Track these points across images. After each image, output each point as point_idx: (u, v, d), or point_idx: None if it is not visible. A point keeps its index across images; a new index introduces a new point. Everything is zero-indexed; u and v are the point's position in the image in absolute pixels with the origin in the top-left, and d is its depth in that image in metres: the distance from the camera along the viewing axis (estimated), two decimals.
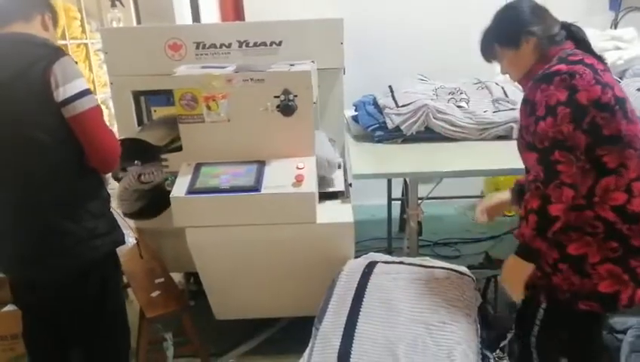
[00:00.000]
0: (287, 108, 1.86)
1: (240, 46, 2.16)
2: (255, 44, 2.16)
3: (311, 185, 1.83)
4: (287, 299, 2.05)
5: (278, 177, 1.85)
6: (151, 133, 2.07)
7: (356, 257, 1.98)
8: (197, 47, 2.15)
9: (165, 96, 2.24)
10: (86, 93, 1.46)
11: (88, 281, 1.60)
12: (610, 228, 1.30)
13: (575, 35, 1.41)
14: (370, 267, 1.78)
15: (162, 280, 2.11)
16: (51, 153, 1.45)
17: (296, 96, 1.87)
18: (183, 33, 2.15)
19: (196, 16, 3.45)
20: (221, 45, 2.16)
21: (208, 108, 1.87)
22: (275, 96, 1.88)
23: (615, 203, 1.29)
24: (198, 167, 1.91)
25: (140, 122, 2.26)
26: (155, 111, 2.21)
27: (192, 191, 1.83)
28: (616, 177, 1.29)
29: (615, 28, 3.56)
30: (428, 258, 1.94)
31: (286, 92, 1.87)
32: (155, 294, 2.03)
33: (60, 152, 1.47)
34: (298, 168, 1.87)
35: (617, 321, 2.04)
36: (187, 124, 1.91)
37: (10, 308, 2.17)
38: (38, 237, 1.50)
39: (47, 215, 1.49)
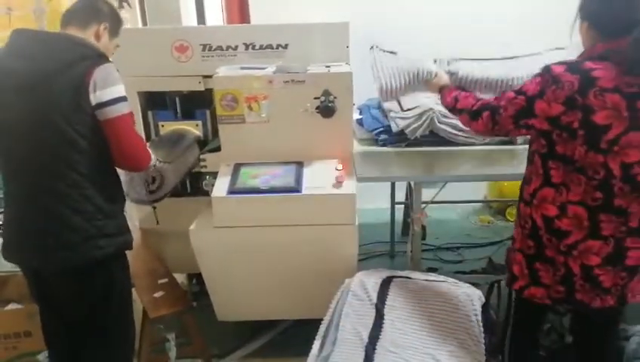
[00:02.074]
0: (326, 110, 1.89)
1: (246, 48, 2.17)
2: (261, 47, 2.17)
3: (351, 187, 1.84)
4: (289, 302, 2.05)
5: (318, 178, 1.88)
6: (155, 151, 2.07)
7: (358, 261, 1.98)
8: (203, 49, 2.16)
9: (173, 112, 2.26)
10: (121, 99, 1.52)
11: (93, 281, 1.60)
12: (535, 230, 1.42)
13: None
14: (382, 294, 1.73)
15: (165, 280, 2.12)
16: (75, 147, 1.49)
17: (335, 97, 1.89)
18: (190, 35, 2.17)
19: (201, 18, 3.46)
20: (227, 47, 2.17)
21: (250, 108, 1.91)
22: (315, 98, 1.90)
23: (546, 213, 1.39)
24: (237, 167, 1.93)
25: (148, 137, 2.25)
26: (162, 126, 2.23)
27: (233, 191, 1.84)
28: (555, 192, 1.37)
29: None
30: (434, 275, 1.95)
31: (326, 93, 1.90)
32: (158, 295, 2.04)
33: (84, 148, 1.50)
34: (337, 169, 1.89)
35: (620, 328, 2.03)
36: (227, 125, 1.95)
37: (12, 306, 2.18)
38: (45, 227, 1.52)
39: (59, 207, 1.50)
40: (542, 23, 3.25)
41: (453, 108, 1.67)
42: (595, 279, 1.39)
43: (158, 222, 2.06)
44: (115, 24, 1.68)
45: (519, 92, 1.39)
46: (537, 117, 1.34)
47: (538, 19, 3.28)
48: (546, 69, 1.32)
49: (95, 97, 1.46)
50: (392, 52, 2.18)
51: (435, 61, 2.29)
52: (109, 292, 1.64)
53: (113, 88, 1.49)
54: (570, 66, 1.29)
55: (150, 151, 1.71)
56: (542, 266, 1.43)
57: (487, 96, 1.62)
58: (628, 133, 1.26)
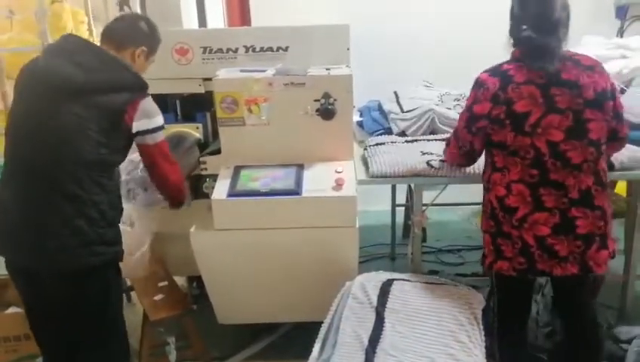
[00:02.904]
0: (327, 112, 1.89)
1: (247, 51, 2.17)
2: (262, 49, 2.17)
3: (352, 189, 1.84)
4: (289, 304, 2.05)
5: (318, 181, 1.87)
6: None
7: (359, 263, 1.98)
8: (204, 52, 2.16)
9: (173, 114, 2.26)
10: (159, 129, 1.67)
11: (86, 287, 1.59)
12: (493, 211, 1.63)
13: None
14: (382, 297, 1.74)
15: (165, 283, 2.12)
16: (98, 154, 1.55)
17: (336, 100, 1.89)
18: (190, 38, 2.17)
19: (202, 20, 3.47)
20: (228, 50, 2.17)
21: (250, 111, 1.91)
22: (316, 100, 1.90)
23: (498, 194, 1.61)
24: (237, 170, 1.93)
25: None
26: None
27: (232, 193, 1.84)
28: (501, 175, 1.60)
29: (621, 36, 3.55)
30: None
31: (326, 96, 1.89)
32: (158, 298, 2.04)
33: (105, 159, 1.58)
34: (337, 172, 1.89)
35: (622, 331, 2.03)
36: (227, 127, 1.95)
37: (12, 310, 2.18)
38: (47, 225, 1.52)
39: (67, 207, 1.52)
40: None
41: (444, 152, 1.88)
42: (550, 248, 1.57)
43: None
44: (154, 45, 1.76)
45: (464, 108, 1.68)
46: (480, 118, 1.58)
47: None
48: (476, 79, 1.62)
49: (137, 126, 1.60)
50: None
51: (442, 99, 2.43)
52: (103, 300, 1.63)
53: (156, 119, 1.65)
54: (493, 72, 1.59)
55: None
56: (503, 241, 1.62)
57: None
58: (546, 116, 1.51)
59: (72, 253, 1.53)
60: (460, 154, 1.73)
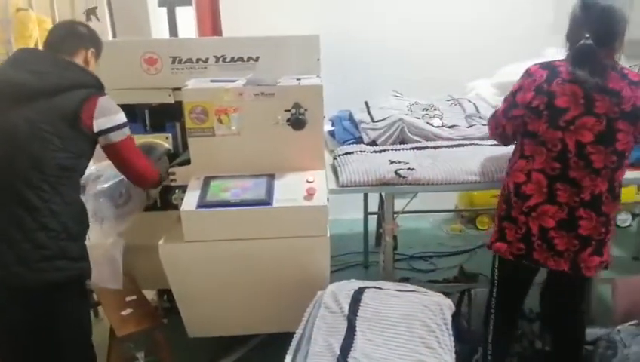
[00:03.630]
0: (297, 122, 1.89)
1: (217, 61, 2.16)
2: (232, 59, 2.17)
3: (322, 199, 1.84)
4: (261, 316, 2.03)
5: (289, 191, 1.87)
6: None
7: (332, 272, 1.98)
8: (173, 62, 2.14)
9: (142, 124, 2.23)
10: (123, 126, 1.67)
11: (47, 304, 1.54)
12: (508, 195, 1.73)
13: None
14: (354, 305, 1.73)
15: (134, 297, 2.07)
16: (58, 162, 1.52)
17: (306, 110, 1.90)
18: (159, 47, 2.15)
19: (174, 31, 3.45)
20: (198, 60, 2.15)
21: (220, 121, 1.90)
22: (286, 110, 1.90)
23: (516, 180, 1.69)
24: (207, 180, 1.91)
25: None
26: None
27: (202, 205, 1.82)
28: (526, 162, 1.67)
29: None
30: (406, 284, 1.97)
31: (297, 106, 1.89)
32: (126, 312, 1.99)
33: (67, 165, 1.55)
34: (308, 181, 1.89)
35: (588, 333, 2.09)
36: (197, 137, 1.93)
37: None
38: (8, 237, 1.48)
39: (25, 220, 1.48)
40: (516, 30, 3.37)
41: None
42: (550, 241, 1.65)
43: None
44: (99, 47, 1.76)
45: (509, 93, 1.74)
46: (518, 106, 1.67)
47: (511, 29, 3.39)
48: (526, 69, 1.68)
49: (97, 124, 1.58)
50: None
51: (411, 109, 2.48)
52: (64, 319, 1.58)
53: (117, 116, 1.65)
54: (543, 65, 1.65)
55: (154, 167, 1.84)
56: (508, 225, 1.72)
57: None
58: (582, 117, 1.57)
59: (33, 267, 1.48)
60: (495, 133, 1.85)
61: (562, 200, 1.62)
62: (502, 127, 1.76)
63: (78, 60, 1.67)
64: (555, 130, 1.59)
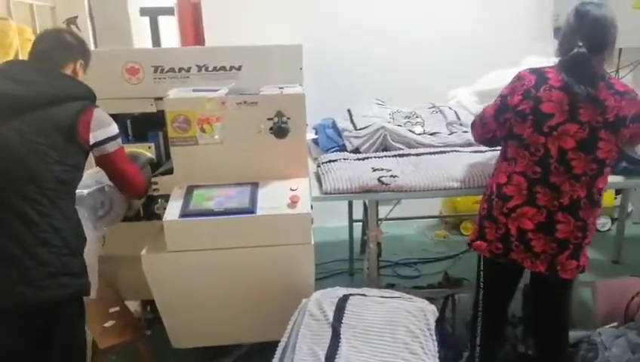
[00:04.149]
0: (280, 131, 1.90)
1: (199, 70, 2.17)
2: (215, 69, 2.17)
3: (306, 206, 1.85)
4: (246, 325, 2.02)
5: (273, 199, 1.87)
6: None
7: (317, 280, 1.98)
8: (155, 71, 2.14)
9: (124, 134, 2.20)
10: (117, 136, 1.68)
11: (50, 323, 1.51)
12: (490, 195, 1.77)
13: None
14: (338, 313, 1.73)
15: (117, 309, 2.05)
16: (55, 175, 1.49)
17: (289, 118, 1.91)
18: (141, 57, 2.14)
19: (157, 40, 3.44)
20: (180, 69, 2.16)
21: (202, 130, 1.90)
22: (269, 119, 1.91)
23: (498, 181, 1.74)
24: (190, 189, 1.90)
25: None
26: None
27: (185, 214, 1.81)
28: (508, 164, 1.72)
29: None
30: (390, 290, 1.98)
31: (279, 114, 1.90)
32: (108, 324, 1.96)
33: (64, 178, 1.52)
34: (292, 189, 1.89)
35: (569, 335, 2.12)
36: (179, 147, 1.92)
37: None
38: (7, 254, 1.43)
39: (26, 236, 1.43)
40: (496, 40, 3.43)
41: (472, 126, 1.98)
42: (527, 242, 1.69)
43: (104, 243, 2.00)
44: (88, 58, 1.74)
45: (498, 96, 1.76)
46: (508, 109, 1.69)
47: (491, 39, 3.45)
48: (517, 74, 1.71)
49: (94, 136, 1.58)
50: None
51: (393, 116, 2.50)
52: (62, 337, 1.55)
53: (110, 127, 1.65)
54: (532, 70, 1.69)
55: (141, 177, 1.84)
56: (488, 224, 1.75)
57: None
58: (566, 123, 1.60)
59: (37, 285, 1.44)
60: (484, 139, 1.87)
61: (541, 204, 1.66)
62: (492, 131, 1.79)
63: (67, 72, 1.64)
64: (538, 135, 1.63)
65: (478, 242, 1.79)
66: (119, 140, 1.70)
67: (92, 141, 1.59)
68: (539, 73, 1.66)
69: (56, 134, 1.49)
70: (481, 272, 1.86)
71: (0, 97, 1.47)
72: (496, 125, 1.75)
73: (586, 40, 1.60)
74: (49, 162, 1.48)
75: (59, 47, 1.65)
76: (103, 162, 1.68)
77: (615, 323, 2.05)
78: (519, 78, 1.69)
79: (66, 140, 1.51)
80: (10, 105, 1.47)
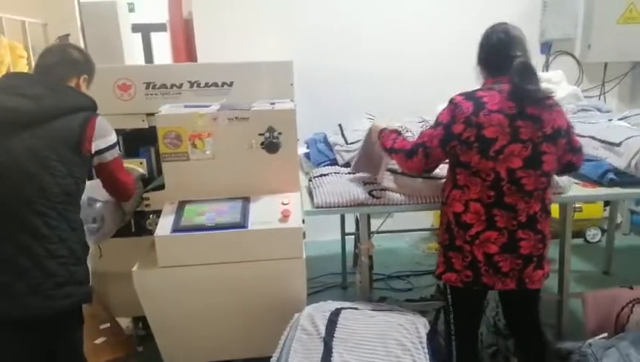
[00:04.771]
0: (271, 146, 1.91)
1: (191, 86, 2.19)
2: (207, 85, 2.20)
3: (297, 220, 1.86)
4: (238, 340, 2.01)
5: (264, 213, 1.88)
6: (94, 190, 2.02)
7: (310, 294, 1.98)
8: (147, 87, 2.17)
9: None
10: (116, 145, 1.71)
11: (50, 332, 1.52)
12: (449, 224, 1.76)
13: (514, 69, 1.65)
14: (330, 327, 1.75)
15: (107, 325, 2.04)
16: (63, 187, 1.52)
17: (280, 133, 1.93)
18: (132, 73, 2.17)
19: (149, 57, 3.48)
20: (172, 85, 2.18)
21: (194, 146, 1.91)
22: (260, 134, 1.92)
23: (454, 210, 1.73)
24: (181, 205, 1.91)
25: (90, 177, 2.20)
26: None
27: (177, 229, 1.81)
28: (461, 192, 1.71)
29: (547, 70, 3.86)
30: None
31: (271, 129, 1.92)
32: (99, 341, 1.95)
33: (71, 190, 1.55)
34: (283, 204, 1.90)
35: (560, 348, 2.12)
36: (171, 162, 1.93)
37: None
38: (17, 267, 1.45)
39: (35, 246, 1.46)
40: None
41: (391, 148, 1.88)
42: (495, 265, 1.70)
43: (101, 255, 2.00)
44: (92, 73, 1.77)
45: (436, 125, 1.74)
46: (454, 137, 1.67)
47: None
48: (451, 100, 1.71)
49: (97, 144, 1.61)
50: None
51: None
52: (63, 347, 1.57)
53: (110, 137, 1.68)
54: (467, 95, 1.69)
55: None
56: (454, 254, 1.75)
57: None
58: (510, 144, 1.63)
59: (45, 294, 1.46)
60: (425, 168, 1.81)
61: (501, 226, 1.67)
62: (438, 161, 1.77)
63: (70, 85, 1.67)
64: (486, 161, 1.64)
65: (448, 274, 1.77)
66: (117, 149, 1.73)
67: (94, 150, 1.61)
68: (474, 98, 1.66)
69: (63, 147, 1.52)
70: (449, 297, 1.85)
71: (8, 112, 1.49)
72: (442, 153, 1.73)
73: (519, 48, 1.69)
74: (59, 176, 1.51)
75: (63, 61, 1.67)
76: (101, 170, 1.70)
77: (605, 334, 2.06)
78: (455, 105, 1.67)
79: (72, 152, 1.55)
80: (19, 119, 1.49)
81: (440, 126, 1.71)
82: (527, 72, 1.63)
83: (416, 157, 1.77)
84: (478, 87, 1.76)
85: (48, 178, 1.49)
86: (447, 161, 1.79)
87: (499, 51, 1.71)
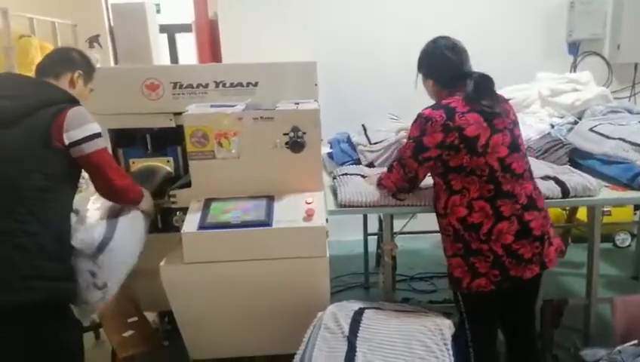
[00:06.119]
0: (296, 145, 1.93)
1: (217, 86, 2.22)
2: (232, 85, 2.23)
3: (321, 219, 1.87)
4: (262, 337, 2.03)
5: (288, 212, 1.89)
6: None
7: (333, 293, 1.98)
8: (174, 87, 2.20)
9: (143, 148, 2.28)
10: (95, 136, 1.62)
11: (28, 328, 1.48)
12: (456, 233, 1.74)
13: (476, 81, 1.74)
14: (354, 326, 1.74)
15: (135, 319, 2.08)
16: (33, 183, 1.50)
17: (304, 133, 1.94)
18: (160, 73, 2.21)
19: (174, 57, 3.54)
20: (198, 85, 2.21)
21: (220, 145, 1.94)
22: (285, 134, 1.95)
23: (459, 215, 1.72)
24: (207, 202, 1.94)
25: None
26: (133, 163, 2.26)
27: (203, 226, 1.84)
28: (460, 196, 1.72)
29: (574, 71, 3.78)
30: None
31: (295, 129, 1.94)
32: (127, 334, 1.99)
33: (42, 186, 1.52)
34: (307, 203, 1.92)
35: (588, 353, 2.08)
36: (197, 161, 1.97)
37: None
38: None
39: (4, 243, 1.45)
40: (509, 56, 3.44)
41: (378, 179, 2.01)
42: (515, 253, 1.70)
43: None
44: (89, 70, 1.78)
45: (408, 139, 1.81)
46: (429, 149, 1.71)
47: (503, 54, 3.46)
48: (418, 116, 1.75)
49: (68, 136, 1.55)
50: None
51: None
52: (51, 344, 1.52)
53: (85, 127, 1.59)
54: (434, 107, 1.74)
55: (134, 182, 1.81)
56: (475, 259, 1.72)
57: None
58: (492, 136, 1.69)
59: (7, 288, 1.44)
60: (405, 179, 1.86)
61: (508, 214, 1.70)
62: (414, 171, 1.80)
63: (63, 82, 1.68)
64: (477, 158, 1.68)
65: (477, 281, 1.72)
66: (99, 141, 1.62)
67: (67, 142, 1.55)
68: (443, 107, 1.71)
69: (32, 142, 1.51)
70: (461, 304, 1.82)
71: None
72: (417, 165, 1.76)
73: (469, 64, 1.81)
74: (27, 170, 1.49)
75: (60, 60, 1.73)
76: (84, 165, 1.63)
77: (635, 341, 2.01)
78: (425, 118, 1.70)
79: (43, 147, 1.52)
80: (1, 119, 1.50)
81: (410, 140, 1.78)
82: (485, 88, 1.73)
83: (395, 170, 1.88)
84: (432, 101, 1.83)
85: (17, 172, 1.48)
86: (429, 175, 1.84)
87: (455, 67, 1.79)
